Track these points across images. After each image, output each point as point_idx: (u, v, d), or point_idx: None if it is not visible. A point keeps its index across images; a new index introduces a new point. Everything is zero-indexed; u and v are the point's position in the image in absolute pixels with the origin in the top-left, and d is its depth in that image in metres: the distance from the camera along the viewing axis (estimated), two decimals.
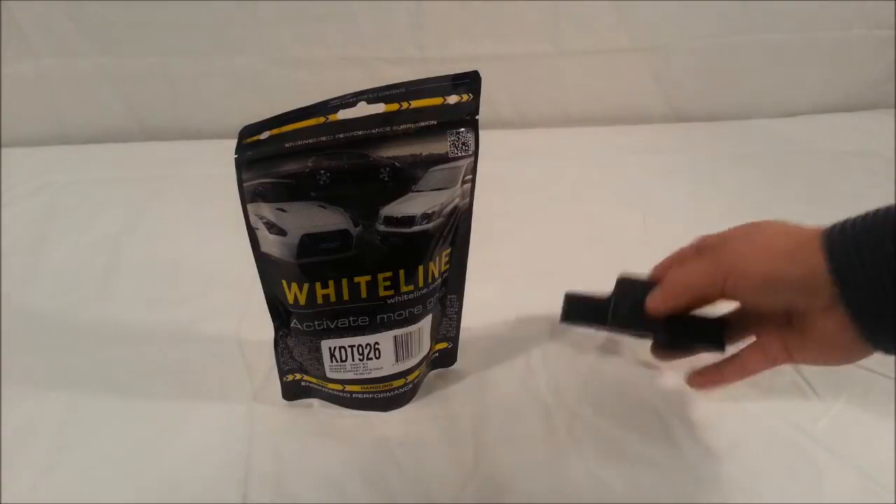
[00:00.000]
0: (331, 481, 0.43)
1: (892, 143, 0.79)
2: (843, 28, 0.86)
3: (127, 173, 0.76)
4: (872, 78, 0.91)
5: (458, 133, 0.39)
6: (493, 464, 0.44)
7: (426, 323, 0.45)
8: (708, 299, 0.40)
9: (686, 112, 0.90)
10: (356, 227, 0.39)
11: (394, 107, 0.37)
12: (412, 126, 0.38)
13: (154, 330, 0.54)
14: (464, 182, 0.41)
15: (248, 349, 0.52)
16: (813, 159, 0.80)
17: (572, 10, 0.81)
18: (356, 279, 0.41)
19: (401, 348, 0.44)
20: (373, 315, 0.42)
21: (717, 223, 0.43)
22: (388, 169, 0.38)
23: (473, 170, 0.41)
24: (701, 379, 0.45)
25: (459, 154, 0.39)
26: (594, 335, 0.54)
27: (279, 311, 0.43)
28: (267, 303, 0.43)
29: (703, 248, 0.42)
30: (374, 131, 0.37)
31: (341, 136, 0.37)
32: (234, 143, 0.37)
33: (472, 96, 0.39)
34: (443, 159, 0.39)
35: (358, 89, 0.37)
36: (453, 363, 0.51)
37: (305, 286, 0.41)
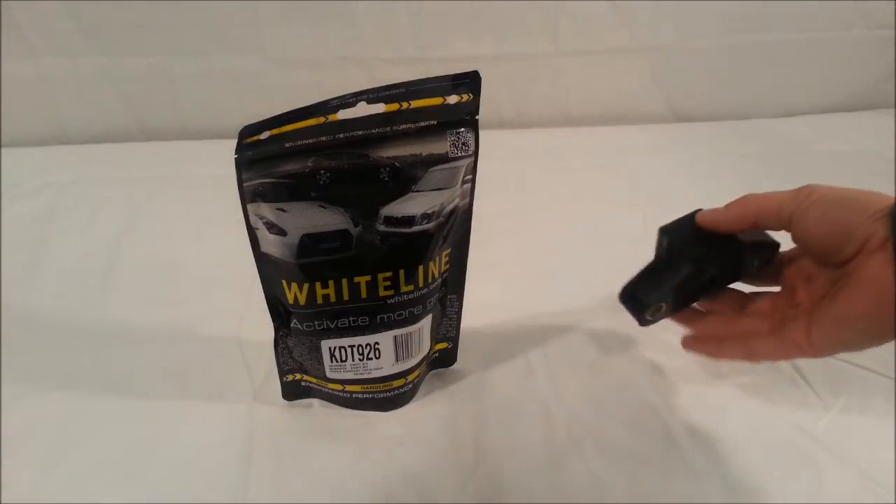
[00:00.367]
0: (331, 481, 0.43)
1: (892, 143, 0.80)
2: (843, 28, 0.86)
3: (127, 173, 0.76)
4: (872, 78, 0.91)
5: (458, 133, 0.39)
6: (493, 464, 0.44)
7: (426, 323, 0.45)
8: (770, 224, 0.38)
9: (686, 112, 0.90)
10: (356, 227, 0.39)
11: (394, 107, 0.37)
12: (412, 126, 0.38)
13: (154, 330, 0.54)
14: (464, 182, 0.41)
15: (248, 349, 0.52)
16: (813, 159, 0.80)
17: (572, 10, 0.81)
18: (356, 279, 0.41)
19: (401, 348, 0.44)
20: (373, 315, 0.42)
21: None
22: (388, 169, 0.38)
23: (473, 170, 0.41)
24: (695, 343, 0.43)
25: (459, 154, 0.39)
26: (594, 335, 0.54)
27: (279, 311, 0.43)
28: (267, 303, 0.43)
29: None
30: (374, 131, 0.37)
31: (341, 136, 0.37)
32: (234, 143, 0.37)
33: (472, 96, 0.39)
34: (443, 159, 0.39)
35: (358, 89, 0.37)
36: (453, 363, 0.51)
37: (305, 286, 0.41)
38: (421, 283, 0.42)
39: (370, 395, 0.46)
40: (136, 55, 0.79)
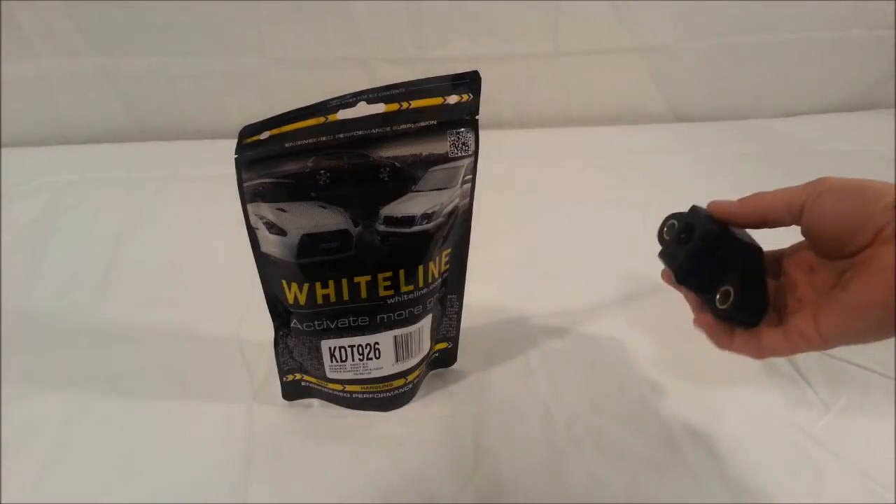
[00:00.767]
0: (331, 481, 0.43)
1: (892, 143, 0.79)
2: (843, 28, 0.86)
3: (127, 173, 0.76)
4: (872, 78, 0.91)
5: (458, 133, 0.39)
6: (493, 464, 0.44)
7: (426, 323, 0.45)
8: (779, 221, 0.37)
9: (686, 112, 0.90)
10: (356, 227, 0.39)
11: (394, 107, 0.37)
12: (412, 126, 0.38)
13: (154, 330, 0.54)
14: (464, 182, 0.41)
15: (248, 349, 0.52)
16: (813, 159, 0.80)
17: (572, 10, 0.81)
18: (356, 279, 0.41)
19: (401, 348, 0.44)
20: (373, 315, 0.42)
21: None
22: (388, 169, 0.38)
23: (473, 170, 0.41)
24: (709, 329, 0.40)
25: (459, 154, 0.39)
26: (594, 335, 0.54)
27: (279, 311, 0.43)
28: (267, 303, 0.43)
29: None
30: (374, 131, 0.37)
31: (341, 136, 0.37)
32: (234, 143, 0.37)
33: (472, 96, 0.39)
34: (443, 159, 0.39)
35: (358, 89, 0.37)
36: (453, 363, 0.51)
37: (305, 286, 0.41)
38: (421, 283, 0.42)
39: (370, 395, 0.46)
40: (136, 55, 0.79)
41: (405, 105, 0.37)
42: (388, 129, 0.38)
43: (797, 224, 0.36)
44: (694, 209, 0.38)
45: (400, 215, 0.39)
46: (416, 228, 0.40)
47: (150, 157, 0.79)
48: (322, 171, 0.37)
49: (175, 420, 0.47)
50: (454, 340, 0.50)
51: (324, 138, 0.37)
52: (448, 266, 0.45)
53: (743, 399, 0.48)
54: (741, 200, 0.38)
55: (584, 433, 0.46)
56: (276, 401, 0.48)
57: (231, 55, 0.80)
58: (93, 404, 0.48)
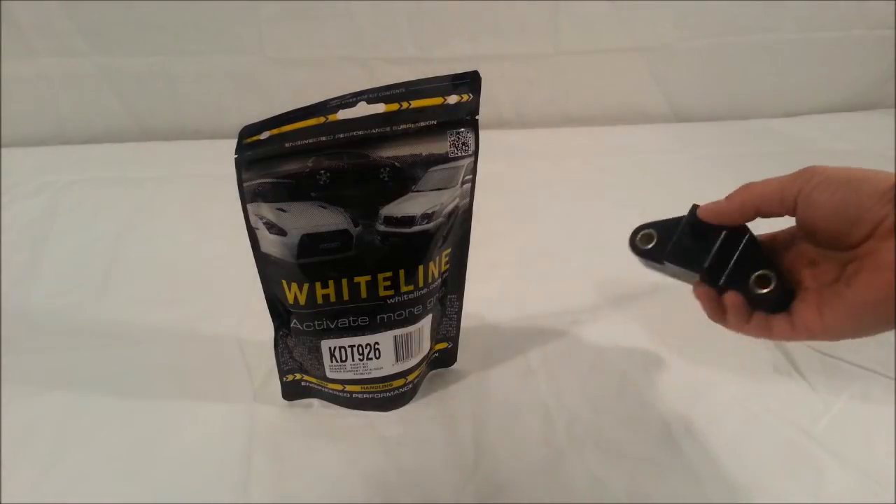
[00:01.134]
0: (331, 481, 0.43)
1: (892, 143, 0.79)
2: (843, 28, 0.86)
3: (127, 173, 0.76)
4: (872, 78, 0.91)
5: (458, 133, 0.39)
6: (493, 464, 0.44)
7: (426, 323, 0.45)
8: (772, 212, 0.37)
9: (686, 112, 0.90)
10: (356, 227, 0.39)
11: (394, 107, 0.37)
12: (412, 126, 0.38)
13: (154, 330, 0.54)
14: (464, 182, 0.41)
15: (248, 349, 0.52)
16: (813, 159, 0.78)
17: (572, 10, 0.81)
18: (356, 279, 0.41)
19: (401, 348, 0.44)
20: (373, 315, 0.42)
21: None
22: (388, 169, 0.38)
23: (473, 170, 0.41)
24: (728, 314, 0.39)
25: (459, 154, 0.39)
26: (594, 334, 0.54)
27: (279, 311, 0.43)
28: (267, 303, 0.43)
29: None
30: (374, 131, 0.37)
31: (341, 136, 0.37)
32: (234, 143, 0.37)
33: (472, 96, 0.39)
34: (443, 159, 0.39)
35: (358, 89, 0.37)
36: (453, 363, 0.51)
37: (305, 286, 0.41)
38: (421, 283, 0.42)
39: (370, 395, 0.46)
40: (136, 55, 0.79)
41: (405, 105, 0.37)
42: (388, 129, 0.38)
43: (791, 216, 0.36)
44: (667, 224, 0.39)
45: (400, 215, 0.39)
46: (416, 228, 0.40)
47: (150, 157, 0.79)
48: (322, 171, 0.37)
49: (175, 420, 0.47)
50: (454, 340, 0.50)
51: (324, 138, 0.37)
52: (448, 266, 0.45)
53: (743, 399, 0.48)
54: (730, 198, 0.37)
55: (583, 433, 0.46)
56: (276, 401, 0.48)
57: (231, 55, 0.80)
58: (93, 404, 0.48)
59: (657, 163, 0.78)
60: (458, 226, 0.43)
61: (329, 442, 0.46)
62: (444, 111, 0.38)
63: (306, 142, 0.37)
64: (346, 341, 0.43)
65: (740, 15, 0.83)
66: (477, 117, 0.39)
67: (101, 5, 0.75)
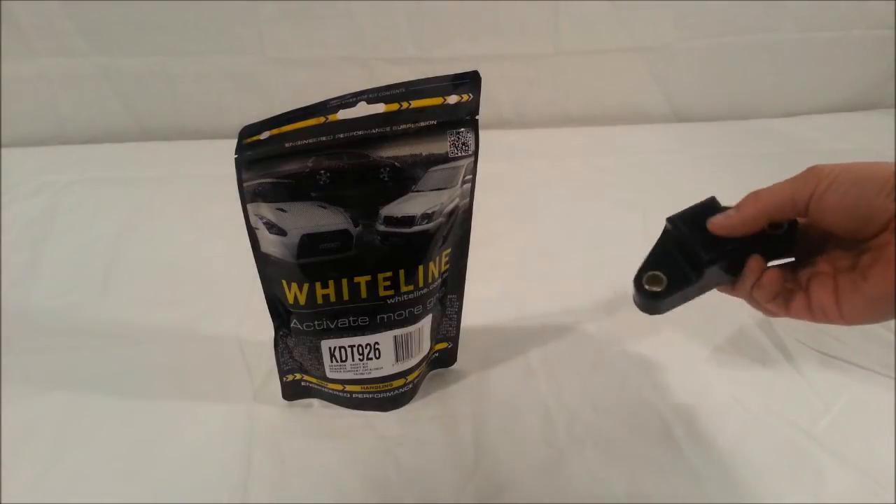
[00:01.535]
0: (331, 481, 0.43)
1: (892, 143, 0.79)
2: (843, 28, 0.86)
3: (127, 173, 0.76)
4: (872, 78, 0.91)
5: (458, 133, 0.39)
6: (493, 464, 0.44)
7: (426, 323, 0.45)
8: (783, 219, 0.37)
9: (686, 112, 0.90)
10: (356, 227, 0.39)
11: (394, 107, 0.37)
12: (412, 126, 0.38)
13: (154, 330, 0.54)
14: (464, 182, 0.41)
15: (248, 349, 0.52)
16: (813, 159, 0.78)
17: (572, 10, 0.80)
18: (356, 279, 0.41)
19: (401, 348, 0.44)
20: (373, 315, 0.42)
21: None
22: (388, 169, 0.38)
23: (473, 170, 0.41)
24: (760, 287, 0.38)
25: (459, 154, 0.39)
26: (594, 335, 0.54)
27: (279, 311, 0.43)
28: (267, 303, 0.43)
29: None
30: (374, 131, 0.37)
31: (341, 136, 0.37)
32: (234, 143, 0.37)
33: (472, 96, 0.39)
34: (443, 159, 0.39)
35: (358, 89, 0.37)
36: (453, 363, 0.51)
37: (305, 286, 0.41)
38: (421, 283, 0.42)
39: (370, 395, 0.46)
40: (136, 55, 0.79)
41: (405, 105, 0.37)
42: (388, 129, 0.38)
43: (801, 218, 0.36)
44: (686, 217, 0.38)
45: (400, 215, 0.39)
46: (416, 228, 0.40)
47: (150, 157, 0.79)
48: (322, 171, 0.37)
49: (175, 420, 0.47)
50: (454, 340, 0.50)
51: (324, 138, 0.37)
52: (448, 266, 0.45)
53: (743, 399, 0.48)
54: (740, 210, 0.37)
55: (584, 433, 0.46)
56: (276, 401, 0.48)
57: (231, 55, 0.80)
58: (93, 404, 0.48)
59: (657, 163, 0.78)
60: (458, 226, 0.43)
61: (329, 442, 0.46)
62: (444, 111, 0.38)
63: (306, 142, 0.37)
64: (346, 341, 0.43)
65: (740, 15, 0.83)
66: (477, 117, 0.39)
67: (101, 5, 0.75)
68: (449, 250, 0.44)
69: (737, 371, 0.51)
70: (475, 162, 0.41)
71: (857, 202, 0.34)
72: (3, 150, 0.78)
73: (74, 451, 0.45)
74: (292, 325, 0.43)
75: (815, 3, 0.83)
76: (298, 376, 0.47)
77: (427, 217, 0.40)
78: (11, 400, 0.48)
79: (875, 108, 0.91)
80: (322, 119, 0.37)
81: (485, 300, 0.52)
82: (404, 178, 0.38)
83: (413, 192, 0.39)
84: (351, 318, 0.42)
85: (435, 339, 0.48)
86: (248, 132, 0.37)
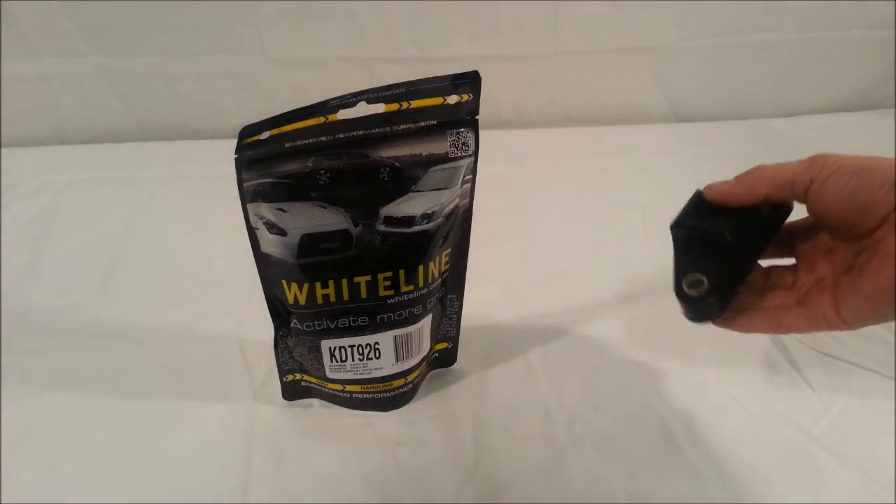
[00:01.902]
0: (331, 481, 0.43)
1: (892, 143, 0.79)
2: (843, 28, 0.86)
3: (127, 173, 0.76)
4: (872, 78, 0.91)
5: (459, 133, 0.39)
6: (493, 464, 0.44)
7: (426, 323, 0.45)
8: (781, 198, 0.37)
9: (686, 112, 0.90)
10: (356, 227, 0.39)
11: (394, 107, 0.37)
12: (412, 126, 0.38)
13: (154, 330, 0.54)
14: (464, 182, 0.41)
15: (248, 349, 0.52)
16: None
17: (572, 10, 0.80)
18: (356, 279, 0.41)
19: (401, 348, 0.44)
20: (373, 315, 0.42)
21: None
22: (388, 169, 0.38)
23: (473, 170, 0.41)
24: (723, 320, 0.39)
25: (459, 154, 0.39)
26: (594, 335, 0.54)
27: (279, 311, 0.43)
28: (267, 303, 0.43)
29: None
30: (374, 131, 0.37)
31: (341, 136, 0.37)
32: (234, 143, 0.37)
33: (472, 96, 0.39)
34: (443, 159, 0.39)
35: (358, 89, 0.37)
36: (453, 363, 0.51)
37: (305, 286, 0.41)
38: (421, 283, 0.42)
39: (370, 395, 0.46)
40: (136, 55, 0.79)
41: (405, 105, 0.37)
42: (388, 129, 0.38)
43: (801, 202, 0.36)
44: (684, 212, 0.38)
45: (400, 215, 0.39)
46: (416, 228, 0.40)
47: (150, 157, 0.79)
48: (322, 171, 0.37)
49: (175, 420, 0.47)
50: (454, 340, 0.50)
51: (324, 138, 0.37)
52: (448, 266, 0.45)
53: (743, 399, 0.48)
54: (739, 180, 0.37)
55: (584, 433, 0.46)
56: (276, 401, 0.48)
57: (231, 55, 0.80)
58: (93, 404, 0.48)
59: (657, 163, 0.78)
60: (458, 226, 0.43)
61: (329, 442, 0.46)
62: (444, 111, 0.38)
63: (306, 142, 0.37)
64: (346, 341, 0.43)
65: (740, 15, 0.83)
66: (477, 117, 0.39)
67: (101, 5, 0.75)
68: (449, 250, 0.44)
69: (736, 371, 0.51)
70: (475, 162, 0.41)
71: (856, 192, 0.34)
72: (3, 150, 0.78)
73: (74, 451, 0.45)
74: (292, 325, 0.43)
75: (815, 3, 0.83)
76: (298, 376, 0.47)
77: (427, 217, 0.40)
78: (11, 400, 0.48)
79: (875, 108, 0.91)
80: (322, 119, 0.37)
81: (485, 300, 0.52)
82: (404, 178, 0.38)
83: (413, 192, 0.39)
84: (351, 318, 0.42)
85: (435, 339, 0.48)
86: (248, 132, 0.37)
